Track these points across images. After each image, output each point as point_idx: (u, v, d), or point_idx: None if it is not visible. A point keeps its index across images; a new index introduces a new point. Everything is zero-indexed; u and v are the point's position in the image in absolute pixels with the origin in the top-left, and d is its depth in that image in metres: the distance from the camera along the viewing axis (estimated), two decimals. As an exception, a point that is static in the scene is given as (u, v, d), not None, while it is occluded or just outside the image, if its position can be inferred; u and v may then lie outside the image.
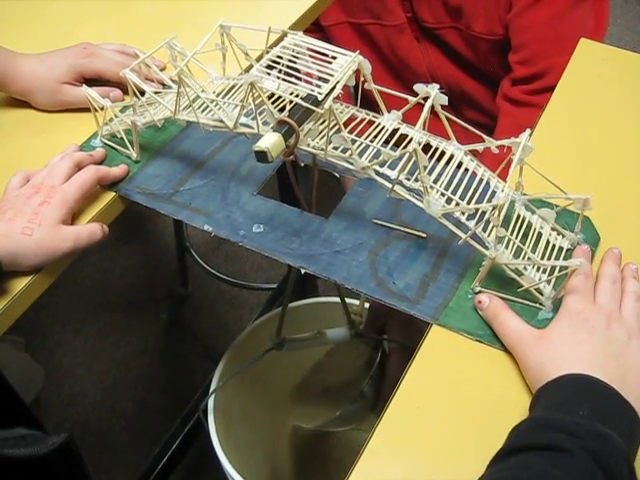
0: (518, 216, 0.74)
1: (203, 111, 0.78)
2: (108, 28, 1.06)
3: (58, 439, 0.56)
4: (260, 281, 1.91)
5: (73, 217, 0.78)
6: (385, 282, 0.72)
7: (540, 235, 0.74)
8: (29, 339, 1.62)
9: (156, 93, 0.81)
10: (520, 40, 1.19)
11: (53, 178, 0.77)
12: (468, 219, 0.69)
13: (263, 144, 0.66)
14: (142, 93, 0.80)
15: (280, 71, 0.70)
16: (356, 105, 0.77)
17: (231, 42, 0.80)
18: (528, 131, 0.69)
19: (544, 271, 0.70)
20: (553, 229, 0.74)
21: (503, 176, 0.71)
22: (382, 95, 0.74)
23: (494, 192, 0.72)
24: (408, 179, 0.69)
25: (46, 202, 0.74)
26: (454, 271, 0.73)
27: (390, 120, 0.74)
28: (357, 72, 0.71)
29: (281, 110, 0.72)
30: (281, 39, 0.74)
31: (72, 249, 0.74)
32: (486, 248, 0.68)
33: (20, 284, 0.73)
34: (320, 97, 0.67)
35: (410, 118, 0.74)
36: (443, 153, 0.73)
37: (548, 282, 0.69)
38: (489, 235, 0.68)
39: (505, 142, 0.70)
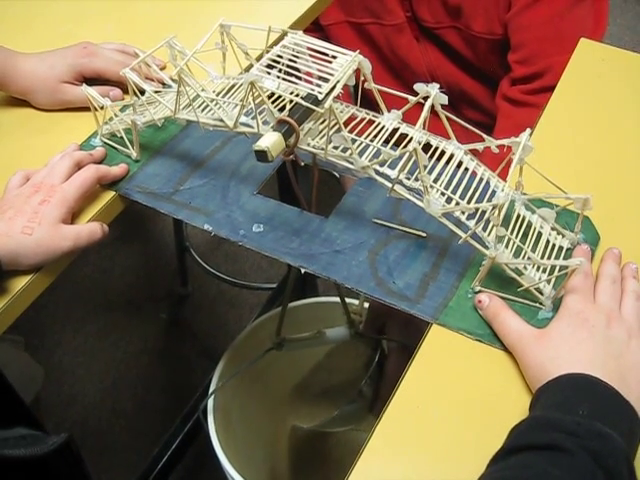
0: (518, 216, 0.74)
1: (203, 110, 0.78)
2: (108, 27, 1.06)
3: (58, 439, 0.56)
4: (260, 281, 1.91)
5: (73, 216, 0.78)
6: (385, 281, 0.72)
7: (540, 235, 0.74)
8: (29, 338, 1.62)
9: (156, 92, 0.81)
10: (519, 40, 1.19)
11: (53, 177, 0.77)
12: (468, 218, 0.69)
13: (263, 143, 0.66)
14: (142, 92, 0.80)
15: (280, 70, 0.70)
16: (356, 104, 0.77)
17: (231, 41, 0.80)
18: (528, 130, 0.69)
19: (544, 271, 0.70)
20: (553, 229, 0.74)
21: (503, 176, 0.71)
22: (382, 94, 0.74)
23: (494, 191, 0.72)
24: (408, 178, 0.69)
25: (46, 201, 0.74)
26: (454, 270, 0.73)
27: (390, 119, 0.74)
28: (357, 71, 0.71)
29: (281, 109, 0.72)
30: (281, 38, 0.74)
31: (72, 248, 0.74)
32: (486, 247, 0.68)
33: (20, 283, 0.72)
34: (320, 96, 0.67)
35: (410, 118, 0.74)
36: (443, 152, 0.73)
37: (548, 282, 0.69)
38: (489, 234, 0.68)
39: (505, 141, 0.70)
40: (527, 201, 0.75)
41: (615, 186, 0.83)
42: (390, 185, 0.69)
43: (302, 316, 1.18)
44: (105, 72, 0.91)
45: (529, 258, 0.69)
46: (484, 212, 0.67)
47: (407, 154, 0.66)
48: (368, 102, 0.78)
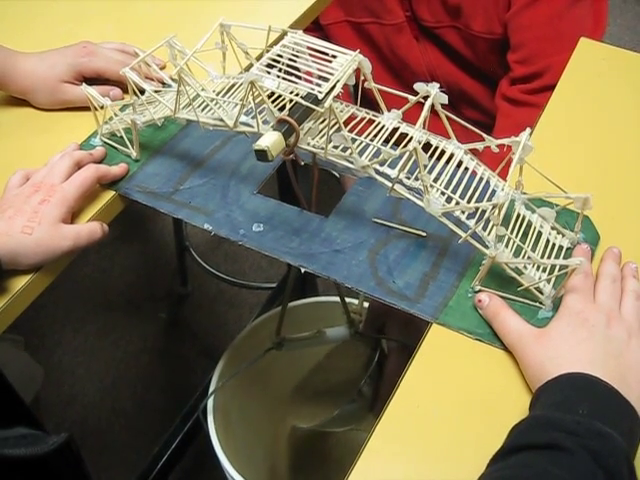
0: (518, 215, 0.74)
1: (203, 110, 0.78)
2: (108, 27, 1.06)
3: (59, 439, 0.56)
4: (259, 280, 1.91)
5: (73, 216, 0.78)
6: (385, 281, 0.72)
7: (540, 234, 0.74)
8: (29, 338, 1.62)
9: (156, 92, 0.81)
10: (519, 39, 1.19)
11: (53, 177, 0.77)
12: (468, 218, 0.69)
13: (263, 143, 0.66)
14: (142, 92, 0.80)
15: (280, 70, 0.70)
16: (356, 104, 0.77)
17: (231, 41, 0.80)
18: (528, 130, 0.69)
19: (544, 270, 0.70)
20: (553, 228, 0.74)
21: (503, 175, 0.71)
22: (382, 94, 0.74)
23: (494, 191, 0.72)
24: (408, 178, 0.69)
25: (46, 201, 0.74)
26: (454, 270, 0.73)
27: (390, 119, 0.74)
28: (357, 71, 0.71)
29: (281, 109, 0.72)
30: (281, 38, 0.74)
31: (72, 248, 0.74)
32: (486, 247, 0.68)
33: (20, 283, 0.72)
34: (320, 96, 0.67)
35: (410, 117, 0.74)
36: (443, 152, 0.73)
37: (548, 281, 0.69)
38: (489, 234, 0.68)
39: (505, 141, 0.70)
40: (527, 200, 0.75)
41: (615, 186, 0.83)
42: (390, 184, 0.69)
43: (302, 316, 1.17)
44: (105, 71, 0.91)
45: (529, 257, 0.69)
46: (484, 211, 0.67)
47: (407, 153, 0.66)
48: (368, 102, 0.78)
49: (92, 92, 0.85)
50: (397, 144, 0.70)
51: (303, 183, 0.83)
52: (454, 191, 0.69)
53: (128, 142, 0.85)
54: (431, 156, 0.71)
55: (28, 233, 0.71)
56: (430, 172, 0.68)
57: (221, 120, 0.75)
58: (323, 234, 0.77)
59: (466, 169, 0.73)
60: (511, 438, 0.57)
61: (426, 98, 0.69)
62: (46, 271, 0.74)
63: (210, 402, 1.07)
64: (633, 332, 0.65)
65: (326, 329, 1.08)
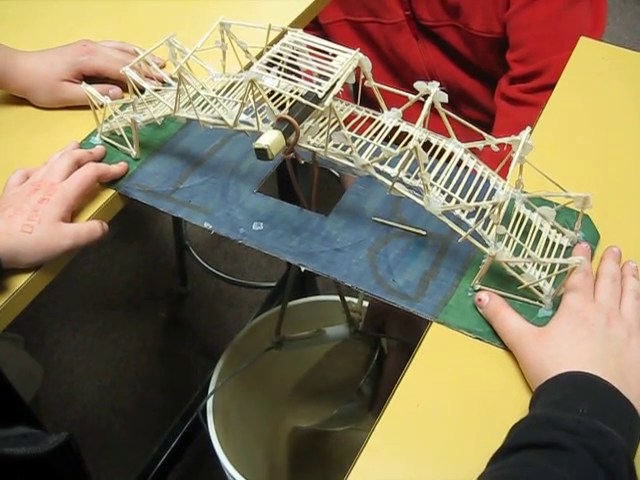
0: (518, 214, 0.74)
1: (203, 109, 0.78)
2: (108, 26, 1.06)
3: (59, 438, 0.56)
4: (259, 279, 1.91)
5: (73, 215, 0.77)
6: (385, 280, 0.72)
7: (540, 233, 0.74)
8: (28, 337, 1.62)
9: (156, 91, 0.81)
10: (518, 38, 1.19)
11: (53, 175, 0.77)
12: (468, 217, 0.69)
13: (263, 141, 0.66)
14: (142, 91, 0.80)
15: (280, 68, 0.70)
16: (356, 103, 0.77)
17: (231, 39, 0.80)
18: (528, 129, 0.69)
19: (544, 269, 0.70)
20: (553, 227, 0.74)
21: (503, 174, 0.71)
22: (382, 93, 0.73)
23: (494, 190, 0.72)
24: (408, 177, 0.69)
25: (46, 199, 0.74)
26: (454, 269, 0.73)
27: (390, 118, 0.74)
28: (357, 70, 0.71)
29: (281, 108, 0.72)
30: (281, 37, 0.74)
31: (72, 246, 0.74)
32: (486, 246, 0.68)
33: (20, 281, 0.72)
34: (320, 95, 0.67)
35: (409, 116, 0.74)
36: (443, 151, 0.73)
37: (548, 280, 0.69)
38: (489, 233, 0.68)
39: (505, 140, 0.70)
40: (527, 199, 0.75)
41: (615, 185, 0.83)
42: (390, 183, 0.69)
43: (301, 315, 1.18)
44: (105, 70, 0.91)
45: (529, 256, 0.69)
46: (484, 210, 0.67)
47: (407, 152, 0.66)
48: (368, 100, 0.78)
49: (92, 91, 0.85)
50: (397, 143, 0.70)
51: (303, 182, 0.83)
52: (454, 190, 0.69)
53: (128, 141, 0.85)
54: (431, 155, 0.70)
55: (28, 232, 0.71)
56: (430, 171, 0.68)
57: (221, 119, 0.75)
58: (323, 233, 0.77)
59: (466, 168, 0.73)
60: (511, 437, 0.57)
61: (426, 97, 0.69)
62: (46, 270, 0.74)
63: (210, 402, 1.07)
64: (633, 331, 0.65)
65: (326, 328, 1.08)
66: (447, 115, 0.72)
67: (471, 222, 0.68)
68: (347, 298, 1.07)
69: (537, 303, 0.69)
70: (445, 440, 0.62)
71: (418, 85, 0.69)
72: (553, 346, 0.63)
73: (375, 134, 0.72)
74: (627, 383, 0.60)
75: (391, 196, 0.70)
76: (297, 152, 0.72)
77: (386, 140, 0.71)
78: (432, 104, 0.69)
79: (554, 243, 0.74)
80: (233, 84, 0.81)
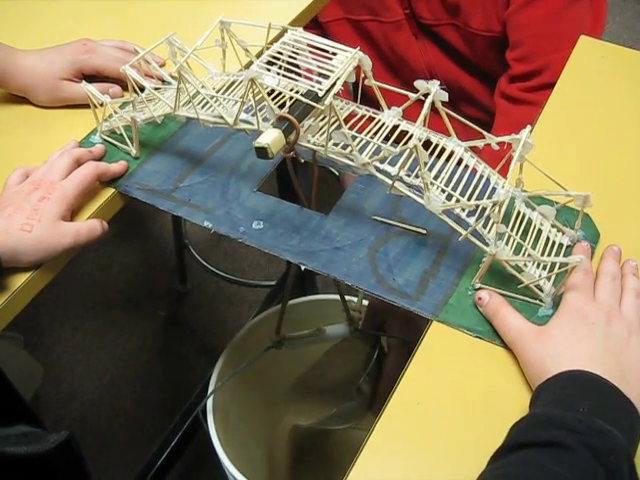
0: (518, 213, 0.74)
1: (203, 107, 0.78)
2: (108, 24, 1.06)
3: (59, 436, 0.56)
4: (258, 278, 1.91)
5: (73, 213, 0.77)
6: (385, 278, 0.72)
7: (540, 232, 0.74)
8: (28, 336, 1.62)
9: (156, 89, 0.81)
10: (517, 37, 1.19)
11: (52, 174, 0.77)
12: (468, 215, 0.69)
13: (263, 140, 0.66)
14: (142, 89, 0.80)
15: (280, 67, 0.70)
16: (356, 102, 0.77)
17: (231, 38, 0.80)
18: (529, 128, 0.69)
19: (544, 268, 0.70)
20: (553, 226, 0.74)
21: (503, 173, 0.71)
22: (382, 91, 0.73)
23: (494, 189, 0.72)
24: (408, 175, 0.69)
25: (45, 198, 0.74)
26: (454, 267, 0.73)
27: (390, 117, 0.74)
28: (357, 68, 0.71)
29: (281, 106, 0.72)
30: (281, 35, 0.74)
31: (72, 245, 0.74)
32: (486, 245, 0.68)
33: (19, 280, 0.72)
34: (320, 93, 0.67)
35: (409, 115, 0.74)
36: (443, 149, 0.73)
37: (548, 279, 0.69)
38: (489, 231, 0.68)
39: (506, 139, 0.70)
40: (527, 198, 0.75)
41: (615, 183, 0.83)
42: (390, 182, 0.69)
43: (301, 313, 1.17)
44: (105, 69, 0.90)
45: (529, 255, 0.69)
46: (484, 209, 0.67)
47: (407, 151, 0.66)
48: (367, 99, 0.77)
49: (92, 89, 0.85)
50: (397, 142, 0.70)
51: (303, 181, 0.83)
52: (454, 189, 0.69)
53: (128, 140, 0.85)
54: (431, 154, 0.70)
55: (28, 231, 0.71)
56: (430, 170, 0.68)
57: (221, 117, 0.75)
58: (323, 232, 0.77)
59: (466, 167, 0.73)
60: (511, 436, 0.57)
61: (426, 96, 0.69)
62: (46, 269, 0.74)
63: (210, 401, 1.07)
64: (633, 330, 0.65)
65: (326, 327, 1.08)
66: (447, 114, 0.72)
67: (471, 221, 0.68)
68: (347, 297, 1.07)
69: (537, 302, 0.69)
70: (445, 439, 0.62)
71: (418, 84, 0.69)
72: (553, 345, 0.63)
73: (375, 133, 0.72)
74: (627, 382, 0.60)
75: (391, 195, 0.70)
76: (297, 151, 0.71)
77: (386, 139, 0.71)
78: (432, 103, 0.69)
79: (554, 242, 0.74)
80: (233, 83, 0.81)
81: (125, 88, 0.88)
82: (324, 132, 0.70)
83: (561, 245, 0.74)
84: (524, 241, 0.71)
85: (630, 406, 0.58)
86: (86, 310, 1.87)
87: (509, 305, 0.68)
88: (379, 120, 0.74)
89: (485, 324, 0.68)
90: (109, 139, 0.86)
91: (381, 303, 0.71)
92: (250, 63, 0.73)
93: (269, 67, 0.70)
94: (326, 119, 0.69)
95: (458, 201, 0.68)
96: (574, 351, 0.62)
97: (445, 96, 0.69)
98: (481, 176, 0.73)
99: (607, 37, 1.14)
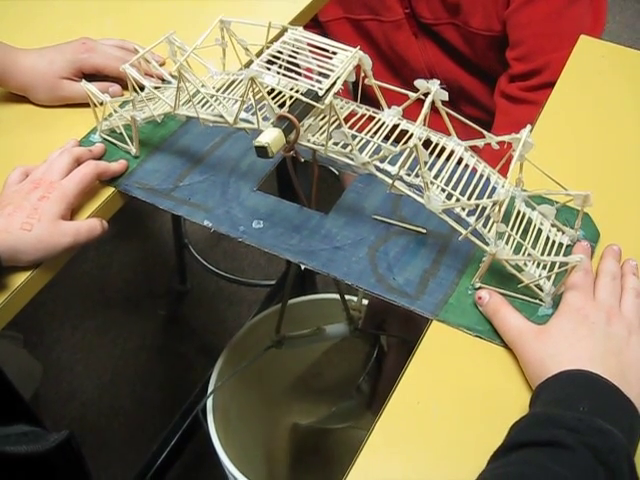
0: (518, 212, 0.74)
1: (203, 106, 0.78)
2: (107, 24, 1.06)
3: (59, 435, 0.56)
4: (258, 278, 1.91)
5: (72, 212, 0.77)
6: (385, 278, 0.72)
7: (540, 231, 0.74)
8: (27, 335, 1.61)
9: (156, 88, 0.81)
10: (518, 36, 1.19)
11: (52, 173, 0.77)
12: (468, 215, 0.69)
13: (263, 139, 0.66)
14: (142, 88, 0.80)
15: (280, 66, 0.70)
16: (356, 101, 0.77)
17: (231, 37, 0.80)
18: (529, 127, 0.69)
19: (544, 267, 0.70)
20: (553, 225, 0.74)
21: (503, 172, 0.71)
22: (382, 91, 0.73)
23: (494, 188, 0.72)
24: (408, 175, 0.69)
25: (45, 197, 0.74)
26: (454, 267, 0.73)
27: (390, 116, 0.74)
28: (357, 68, 0.71)
29: (281, 105, 0.72)
30: (281, 34, 0.74)
31: (71, 244, 0.74)
32: (486, 244, 0.68)
33: (19, 279, 0.72)
34: (321, 92, 0.67)
35: (409, 114, 0.74)
36: (443, 149, 0.73)
37: (548, 278, 0.69)
38: (489, 231, 0.68)
39: (506, 138, 0.70)
40: (527, 198, 0.75)
41: (615, 183, 0.83)
42: (390, 181, 0.69)
43: (301, 313, 1.17)
44: (104, 68, 0.90)
45: (529, 255, 0.69)
46: (484, 208, 0.67)
47: (407, 150, 0.66)
48: (368, 99, 0.77)
49: (92, 88, 0.84)
50: (397, 141, 0.70)
51: (303, 180, 0.83)
52: (454, 188, 0.69)
53: (128, 139, 0.85)
54: (431, 153, 0.70)
55: (27, 229, 0.71)
56: (430, 169, 0.68)
57: (221, 117, 0.75)
58: (323, 231, 0.77)
59: (466, 166, 0.73)
60: (511, 435, 0.57)
61: (426, 95, 0.69)
62: (45, 268, 0.74)
63: (210, 400, 1.07)
64: (633, 329, 0.65)
65: (325, 326, 1.08)
66: (447, 113, 0.71)
67: (471, 220, 0.68)
68: (347, 296, 1.07)
69: (537, 301, 0.69)
70: (445, 438, 0.62)
71: (418, 83, 0.69)
72: (553, 344, 0.63)
73: (375, 132, 0.72)
74: (627, 381, 0.60)
75: (391, 194, 0.71)
76: (297, 150, 0.71)
77: (386, 138, 0.71)
78: (432, 102, 0.69)
79: (554, 241, 0.74)
80: (233, 82, 0.81)
81: (125, 87, 0.88)
82: (324, 131, 0.70)
83: (561, 244, 0.74)
84: (524, 240, 0.71)
85: (630, 405, 0.58)
86: (86, 309, 1.87)
87: (509, 304, 0.68)
88: (379, 119, 0.74)
89: (485, 323, 0.68)
90: (109, 138, 0.86)
91: (381, 302, 0.71)
92: (250, 62, 0.73)
93: (269, 66, 0.70)
94: (326, 118, 0.69)
95: (458, 200, 0.68)
96: (574, 350, 0.62)
97: (445, 95, 0.69)
98: (481, 175, 0.72)
99: (607, 36, 1.14)
